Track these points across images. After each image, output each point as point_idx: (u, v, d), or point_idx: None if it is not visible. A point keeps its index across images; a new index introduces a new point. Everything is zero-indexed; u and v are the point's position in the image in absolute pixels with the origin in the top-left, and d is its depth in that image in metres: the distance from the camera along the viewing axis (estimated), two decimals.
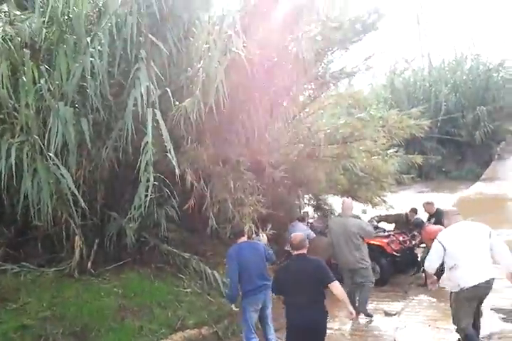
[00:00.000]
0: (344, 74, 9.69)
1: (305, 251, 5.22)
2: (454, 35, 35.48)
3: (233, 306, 6.05)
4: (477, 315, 5.49)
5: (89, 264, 6.54)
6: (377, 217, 11.12)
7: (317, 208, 11.69)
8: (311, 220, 11.07)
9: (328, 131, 10.12)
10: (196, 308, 6.66)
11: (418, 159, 11.79)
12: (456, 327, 5.52)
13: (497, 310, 7.06)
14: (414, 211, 10.22)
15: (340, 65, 10.03)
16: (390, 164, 11.23)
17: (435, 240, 5.54)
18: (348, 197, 9.77)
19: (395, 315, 7.45)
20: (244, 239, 6.15)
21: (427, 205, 9.77)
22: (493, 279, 5.24)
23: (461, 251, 5.25)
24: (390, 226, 10.86)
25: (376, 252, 8.72)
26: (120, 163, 6.95)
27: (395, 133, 10.91)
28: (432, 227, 8.48)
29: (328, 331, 6.51)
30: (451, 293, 5.52)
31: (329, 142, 9.93)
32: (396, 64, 27.67)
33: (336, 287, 4.97)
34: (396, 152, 11.52)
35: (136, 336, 5.81)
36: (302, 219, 9.44)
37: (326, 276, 4.96)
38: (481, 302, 5.47)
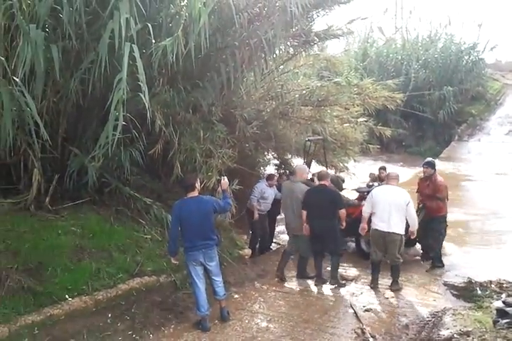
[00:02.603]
0: (329, 35, 9.38)
1: (326, 183, 7.38)
2: (432, 11, 35.33)
3: (172, 259, 5.93)
4: (388, 254, 7.17)
5: (47, 200, 6.25)
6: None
7: (279, 168, 11.57)
8: None
9: (304, 92, 9.91)
10: (155, 255, 6.50)
11: (387, 131, 11.81)
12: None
13: (450, 287, 7.22)
14: (383, 168, 10.14)
15: (323, 26, 9.75)
16: (358, 132, 11.22)
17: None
18: (304, 163, 9.73)
19: (351, 280, 7.52)
20: (193, 193, 5.76)
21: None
22: (395, 233, 6.94)
23: (380, 204, 7.02)
24: None
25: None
26: (86, 97, 6.55)
27: (368, 103, 10.88)
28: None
29: (286, 290, 6.80)
30: None
31: (303, 103, 9.76)
32: (371, 32, 27.52)
33: (343, 212, 7.26)
34: (366, 121, 11.48)
35: (93, 278, 5.64)
36: (271, 179, 9.14)
37: (340, 203, 7.30)
38: (388, 247, 7.07)
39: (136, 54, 5.70)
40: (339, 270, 7.58)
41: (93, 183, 6.50)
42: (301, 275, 7.64)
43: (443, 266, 8.14)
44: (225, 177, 6.21)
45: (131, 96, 6.03)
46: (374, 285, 7.19)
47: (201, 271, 5.76)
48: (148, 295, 6.04)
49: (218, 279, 5.87)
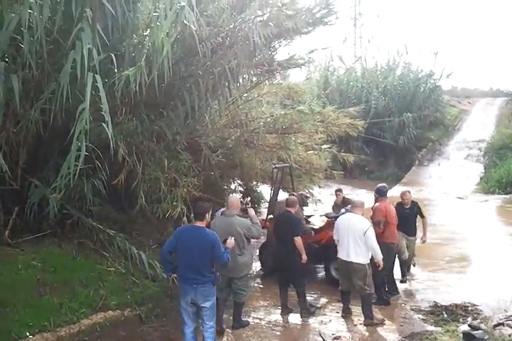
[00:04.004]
0: (292, 64, 9.54)
1: (292, 210, 7.22)
2: (389, 40, 36.70)
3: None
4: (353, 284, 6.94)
5: (7, 233, 6.09)
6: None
7: (246, 195, 11.57)
8: None
9: (268, 119, 10.02)
10: (119, 289, 6.35)
11: (350, 157, 12.03)
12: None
13: (417, 311, 7.24)
14: (340, 190, 10.29)
15: (285, 55, 9.95)
16: (322, 159, 11.36)
17: None
18: (272, 190, 9.61)
19: (319, 308, 7.45)
20: (200, 223, 5.33)
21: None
22: (354, 263, 6.77)
23: (341, 233, 6.97)
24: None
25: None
26: (47, 127, 6.47)
27: (331, 130, 11.08)
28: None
29: (254, 320, 6.73)
30: None
31: (268, 131, 9.84)
32: (331, 61, 28.20)
33: (296, 240, 6.96)
34: (330, 148, 11.66)
35: (55, 314, 5.45)
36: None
37: (295, 230, 7.02)
38: (352, 276, 6.85)
39: (99, 84, 5.66)
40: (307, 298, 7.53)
41: (54, 215, 6.35)
42: (239, 324, 6.62)
43: (387, 301, 7.59)
44: (233, 237, 5.83)
45: (93, 126, 5.96)
46: (345, 314, 7.07)
47: (191, 309, 5.33)
48: (113, 330, 5.87)
49: (209, 323, 5.35)
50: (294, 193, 8.82)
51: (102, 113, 5.66)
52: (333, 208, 10.17)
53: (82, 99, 5.51)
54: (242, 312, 6.79)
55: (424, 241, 8.79)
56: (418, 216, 8.64)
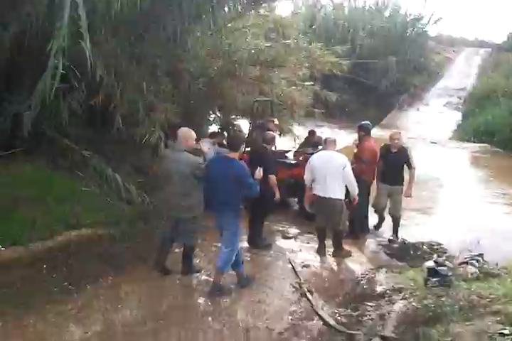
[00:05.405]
0: None
1: (268, 146, 6.85)
2: None
3: None
4: (329, 220, 6.87)
5: None
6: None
7: (224, 128, 11.42)
8: None
9: (252, 51, 9.75)
10: (94, 208, 6.35)
11: (332, 96, 11.87)
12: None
13: (385, 247, 7.45)
14: (313, 133, 10.06)
15: None
16: (305, 96, 11.21)
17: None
18: (251, 124, 9.42)
19: (291, 238, 7.62)
20: (234, 154, 5.31)
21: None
22: (332, 198, 6.66)
23: (317, 170, 6.73)
24: None
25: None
26: (24, 45, 6.22)
27: (315, 67, 10.88)
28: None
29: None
30: None
31: (251, 63, 9.60)
32: None
33: (270, 178, 6.55)
34: (313, 85, 11.49)
35: (29, 229, 5.44)
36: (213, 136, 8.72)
37: (268, 169, 6.37)
38: (328, 212, 6.79)
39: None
40: (281, 229, 7.67)
41: (28, 133, 6.20)
42: (189, 269, 5.95)
43: (356, 235, 7.68)
44: (261, 169, 5.72)
45: (71, 43, 5.71)
46: (320, 252, 7.01)
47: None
48: (86, 248, 5.90)
49: (223, 248, 5.40)
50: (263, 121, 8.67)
51: (80, 30, 5.44)
52: (300, 146, 10.10)
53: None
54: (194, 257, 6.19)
55: (408, 196, 7.70)
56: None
